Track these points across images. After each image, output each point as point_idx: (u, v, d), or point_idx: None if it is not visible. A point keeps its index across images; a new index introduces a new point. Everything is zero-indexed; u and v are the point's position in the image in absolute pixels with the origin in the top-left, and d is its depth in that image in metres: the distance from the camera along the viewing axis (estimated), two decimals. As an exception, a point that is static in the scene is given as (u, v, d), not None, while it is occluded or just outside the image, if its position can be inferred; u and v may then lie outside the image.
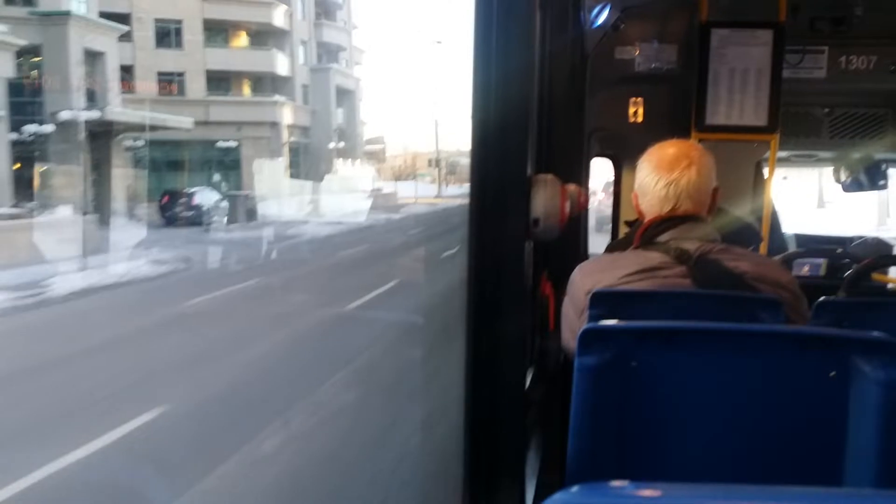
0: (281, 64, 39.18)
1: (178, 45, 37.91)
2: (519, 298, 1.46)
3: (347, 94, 45.35)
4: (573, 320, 1.88)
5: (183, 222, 27.22)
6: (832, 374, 1.38)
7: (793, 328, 1.68)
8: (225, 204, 28.75)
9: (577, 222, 2.98)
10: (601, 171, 3.87)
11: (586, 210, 3.20)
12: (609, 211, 3.58)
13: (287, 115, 41.36)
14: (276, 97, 39.45)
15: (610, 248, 2.21)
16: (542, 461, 1.92)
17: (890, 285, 3.33)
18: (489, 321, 1.43)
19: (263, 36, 41.41)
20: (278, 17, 39.54)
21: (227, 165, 38.13)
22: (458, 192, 62.79)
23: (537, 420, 2.01)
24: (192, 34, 37.27)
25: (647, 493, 0.72)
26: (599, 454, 1.40)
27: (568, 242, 2.81)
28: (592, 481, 0.74)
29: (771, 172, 3.24)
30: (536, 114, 2.09)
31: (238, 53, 38.34)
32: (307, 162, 44.12)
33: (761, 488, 0.69)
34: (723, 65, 3.18)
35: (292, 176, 40.82)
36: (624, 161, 3.18)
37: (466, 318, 1.42)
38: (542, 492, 1.34)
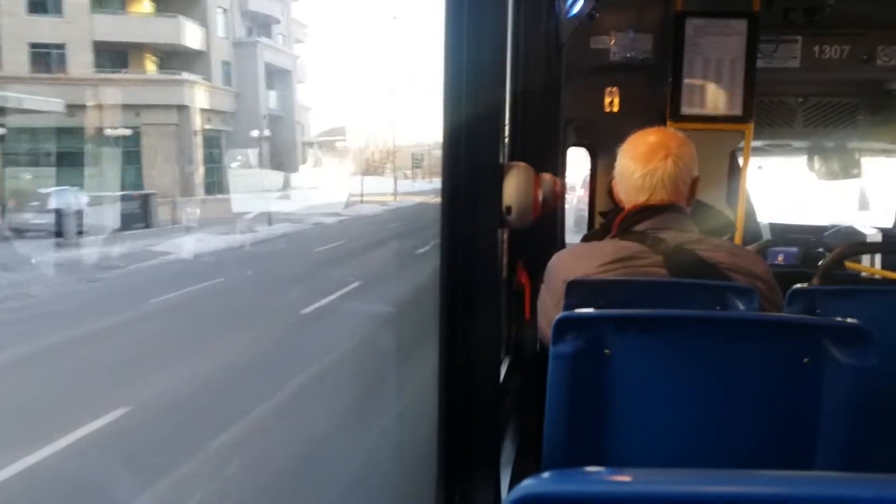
0: (192, 35, 32.18)
1: (57, 10, 32.95)
2: (492, 287, 1.54)
3: (282, 74, 38.03)
4: (549, 309, 1.95)
5: (36, 233, 22.25)
6: (805, 360, 1.43)
7: (766, 315, 1.77)
8: (112, 207, 24.97)
9: (553, 212, 3.01)
10: (580, 165, 3.98)
11: (563, 199, 3.34)
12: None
13: (200, 98, 36.59)
14: (185, 75, 30.80)
15: (586, 238, 2.33)
16: (518, 450, 1.99)
17: (863, 273, 3.49)
18: (463, 311, 1.51)
19: (172, 1, 35.95)
20: None
21: (122, 158, 32.30)
22: (422, 189, 56.70)
23: (513, 409, 2.09)
24: None
25: (619, 478, 0.76)
26: (575, 442, 1.46)
27: (545, 232, 2.89)
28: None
29: (746, 162, 3.39)
30: (511, 103, 2.17)
31: (136, 21, 30.54)
32: (229, 154, 38.53)
33: (734, 472, 0.74)
34: (697, 54, 3.30)
35: (207, 171, 36.30)
36: (600, 151, 3.31)
37: (440, 308, 1.50)
38: (518, 480, 1.08)
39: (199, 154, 33.91)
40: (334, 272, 15.31)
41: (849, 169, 4.02)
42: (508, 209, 1.65)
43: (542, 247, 2.61)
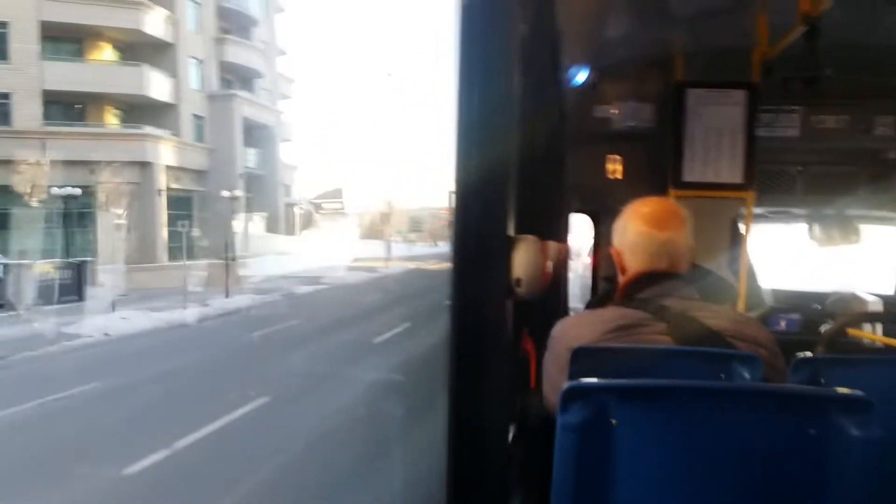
0: (158, 86, 29.15)
1: (3, 56, 30.35)
2: (501, 357, 1.62)
3: (264, 130, 34.61)
4: (554, 377, 2.04)
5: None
6: (811, 431, 1.46)
7: (772, 386, 1.85)
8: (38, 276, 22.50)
9: (557, 278, 2.96)
10: (585, 231, 4.12)
11: (566, 265, 3.48)
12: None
13: (166, 154, 33.80)
14: (148, 129, 27.19)
15: (590, 305, 2.46)
16: None
17: (867, 341, 3.56)
18: (471, 379, 1.58)
19: (139, 50, 34.43)
20: (154, 25, 28.45)
21: (72, 221, 28.99)
22: (420, 253, 53.07)
23: (520, 478, 2.16)
24: (23, 41, 24.72)
25: None
26: None
27: (548, 298, 2.92)
28: None
29: (747, 229, 3.58)
30: (516, 170, 2.20)
31: (94, 69, 27.23)
32: (202, 216, 35.87)
33: None
34: (698, 123, 3.47)
35: (170, 236, 32.58)
36: (603, 217, 3.47)
37: (448, 376, 1.58)
38: None
39: (162, 216, 30.18)
40: (258, 369, 13.46)
41: (848, 236, 4.10)
42: (518, 281, 1.73)
43: (546, 314, 2.70)
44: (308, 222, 60.65)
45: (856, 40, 3.13)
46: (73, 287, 23.20)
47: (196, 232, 29.79)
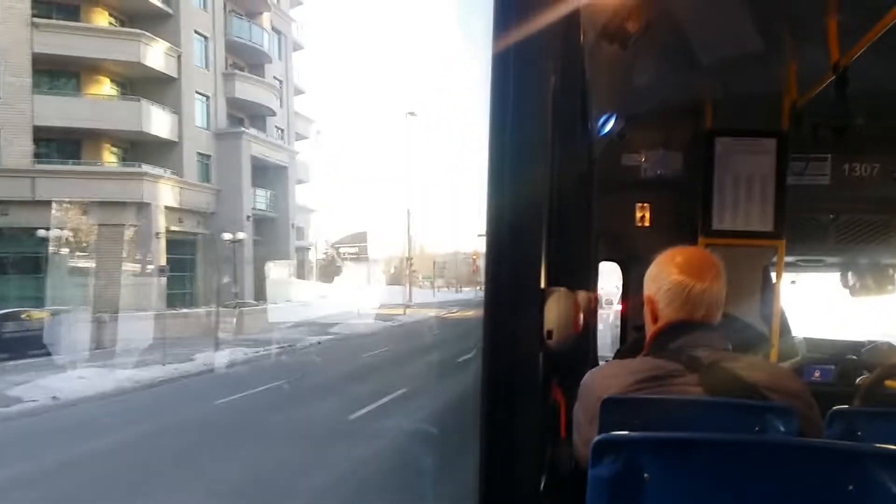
0: (159, 122, 26.86)
1: None
2: (532, 406, 1.64)
3: (276, 171, 32.46)
4: (584, 427, 2.08)
5: None
6: (850, 487, 1.45)
7: (808, 441, 1.85)
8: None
9: (586, 326, 3.04)
10: (613, 279, 4.34)
11: (595, 314, 3.57)
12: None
13: (166, 195, 31.82)
14: (146, 168, 24.92)
15: (620, 354, 2.52)
16: None
17: None
18: (502, 430, 1.59)
19: (140, 84, 32.90)
20: (156, 58, 26.12)
21: (61, 265, 26.81)
22: (443, 300, 50.87)
23: None
24: (14, 74, 29.12)
25: None
26: None
27: (578, 347, 2.90)
28: None
29: (779, 277, 3.64)
30: (546, 218, 2.23)
31: (89, 105, 25.31)
32: (206, 261, 33.53)
33: None
34: (728, 172, 3.53)
35: (171, 281, 30.75)
36: (631, 265, 3.54)
37: (480, 427, 1.60)
38: None
39: (161, 260, 28.00)
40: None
41: (883, 285, 4.12)
42: (550, 333, 1.76)
43: (575, 363, 2.74)
44: (330, 267, 58.78)
45: (885, 88, 3.19)
46: (49, 338, 21.49)
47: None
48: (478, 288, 60.76)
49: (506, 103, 1.56)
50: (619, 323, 9.37)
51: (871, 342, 4.33)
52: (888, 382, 3.25)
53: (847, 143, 3.36)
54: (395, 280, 56.03)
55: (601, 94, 3.13)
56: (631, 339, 2.61)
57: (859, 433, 1.99)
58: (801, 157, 3.58)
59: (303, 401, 15.58)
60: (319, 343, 26.62)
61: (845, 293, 4.40)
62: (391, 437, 11.93)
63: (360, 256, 63.43)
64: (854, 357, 3.98)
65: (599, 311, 5.57)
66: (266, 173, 38.34)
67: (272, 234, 38.61)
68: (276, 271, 38.45)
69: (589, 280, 3.30)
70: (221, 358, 21.58)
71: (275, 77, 41.37)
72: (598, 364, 2.85)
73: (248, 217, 35.39)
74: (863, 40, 2.62)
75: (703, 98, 3.55)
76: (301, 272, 45.04)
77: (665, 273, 2.14)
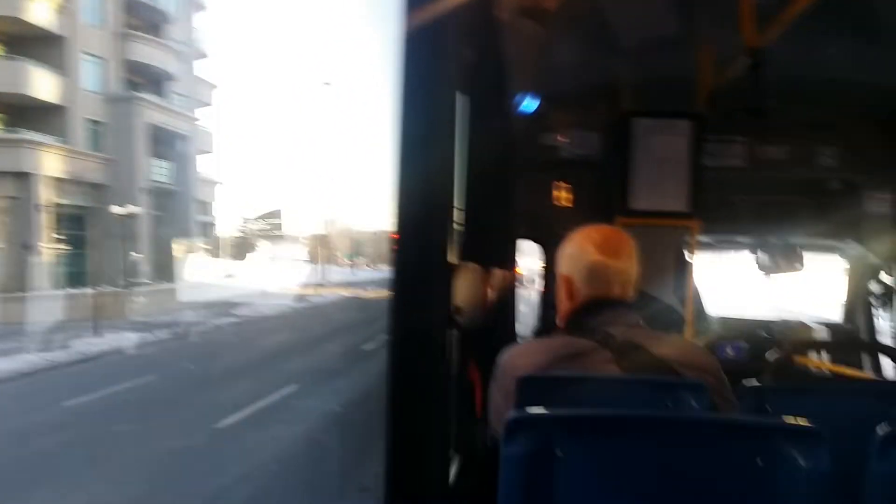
0: (42, 84, 23.46)
1: None
2: (442, 386, 1.66)
3: (176, 140, 29.71)
4: (500, 406, 2.10)
5: None
6: (759, 462, 1.50)
7: (719, 416, 1.93)
8: None
9: (505, 305, 3.19)
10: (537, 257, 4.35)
11: (513, 292, 3.53)
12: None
13: (51, 164, 28.81)
14: (28, 134, 28.65)
15: (537, 333, 2.66)
16: None
17: (813, 369, 3.77)
18: (411, 411, 1.61)
19: (25, 43, 29.28)
20: (39, 14, 23.48)
21: None
22: (360, 279, 50.29)
23: None
24: None
25: None
26: None
27: (496, 325, 2.99)
28: None
29: (693, 257, 3.76)
30: (462, 196, 2.45)
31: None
32: (97, 237, 30.63)
33: None
34: (644, 152, 3.62)
35: (61, 259, 28.69)
36: (551, 244, 3.52)
37: (386, 408, 1.60)
38: None
39: (44, 235, 25.65)
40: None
41: (792, 263, 4.24)
42: (458, 309, 1.76)
43: (493, 341, 2.72)
44: (242, 245, 56.57)
45: (799, 73, 3.30)
46: None
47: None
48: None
49: (416, 79, 1.55)
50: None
51: (782, 320, 4.62)
52: (798, 358, 3.45)
53: (761, 126, 3.57)
54: (312, 258, 54.05)
55: (519, 72, 3.19)
56: (550, 318, 2.62)
57: (769, 408, 2.12)
58: (717, 140, 3.72)
59: (168, 403, 13.27)
60: (220, 327, 24.81)
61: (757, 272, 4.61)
62: (270, 448, 10.05)
63: (275, 233, 61.46)
64: (766, 334, 4.19)
65: (526, 291, 5.74)
66: (166, 143, 35.75)
67: (173, 208, 36.30)
68: (179, 248, 36.57)
69: (507, 259, 3.39)
70: (99, 345, 19.53)
71: (176, 40, 38.42)
72: (517, 343, 2.84)
73: (144, 189, 33.06)
74: (777, 24, 2.68)
75: (621, 80, 3.64)
76: (209, 249, 42.84)
77: (582, 252, 2.18)
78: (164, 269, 34.37)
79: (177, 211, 36.82)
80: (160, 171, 36.15)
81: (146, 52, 35.73)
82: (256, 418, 11.72)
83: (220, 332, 24.03)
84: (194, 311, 28.06)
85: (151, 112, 34.56)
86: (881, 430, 1.60)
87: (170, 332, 22.78)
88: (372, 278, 53.15)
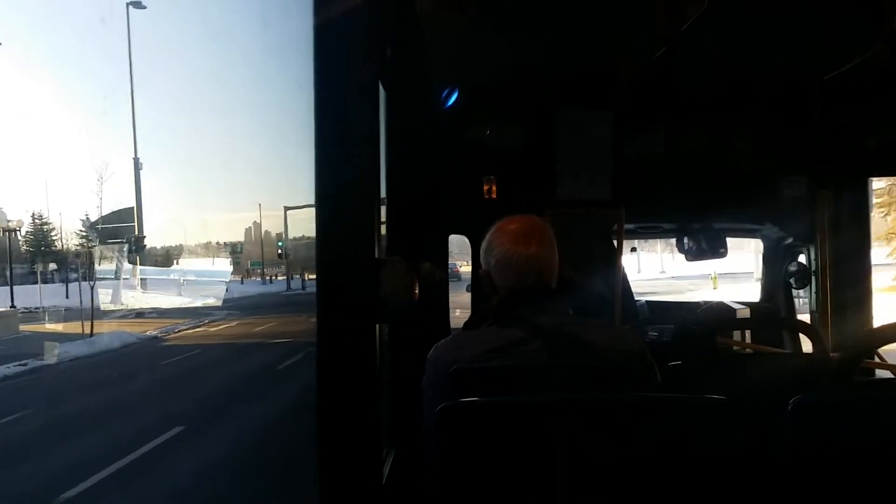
0: None
1: None
2: (370, 382, 1.65)
3: None
4: (432, 399, 2.10)
5: None
6: (679, 437, 1.61)
7: (641, 396, 1.97)
8: None
9: (438, 300, 3.40)
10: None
11: (445, 286, 3.61)
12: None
13: None
14: None
15: (467, 325, 2.53)
16: None
17: (735, 348, 3.94)
18: (339, 408, 1.60)
19: None
20: None
21: None
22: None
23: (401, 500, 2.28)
24: None
25: None
26: None
27: (430, 320, 3.16)
28: None
29: (620, 244, 3.83)
30: (388, 194, 2.48)
31: None
32: None
33: None
34: (569, 143, 3.66)
35: None
36: (480, 237, 3.14)
37: (317, 408, 1.59)
38: None
39: None
40: None
41: (716, 248, 4.34)
42: (384, 303, 1.73)
43: (427, 335, 2.76)
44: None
45: (714, 59, 3.36)
46: None
47: None
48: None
49: (330, 74, 1.54)
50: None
51: (706, 302, 4.79)
52: (719, 339, 3.58)
53: (679, 113, 3.69)
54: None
55: (442, 65, 3.22)
56: (478, 310, 2.67)
57: (692, 386, 2.16)
58: (638, 128, 3.78)
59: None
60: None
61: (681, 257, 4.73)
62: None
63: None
64: (691, 317, 4.29)
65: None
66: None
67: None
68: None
69: (437, 253, 3.42)
70: None
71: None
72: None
73: None
74: (689, 12, 2.70)
75: (543, 71, 3.67)
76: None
77: (495, 243, 2.22)
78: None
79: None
80: None
81: None
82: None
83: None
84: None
85: None
86: (793, 402, 1.70)
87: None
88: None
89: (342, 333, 1.56)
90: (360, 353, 1.58)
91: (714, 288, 27.90)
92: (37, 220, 48.72)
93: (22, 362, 18.33)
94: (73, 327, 23.90)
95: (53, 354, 18.78)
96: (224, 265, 49.65)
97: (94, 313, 24.64)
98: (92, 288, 26.33)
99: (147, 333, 24.38)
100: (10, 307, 30.15)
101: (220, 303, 35.50)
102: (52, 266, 40.49)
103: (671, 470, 1.57)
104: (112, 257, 38.36)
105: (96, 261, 37.36)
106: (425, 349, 2.30)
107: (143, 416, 12.18)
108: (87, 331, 23.21)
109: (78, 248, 42.08)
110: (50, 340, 19.79)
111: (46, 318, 28.01)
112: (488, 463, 1.57)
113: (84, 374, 17.59)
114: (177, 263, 50.17)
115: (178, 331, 25.69)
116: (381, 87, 1.91)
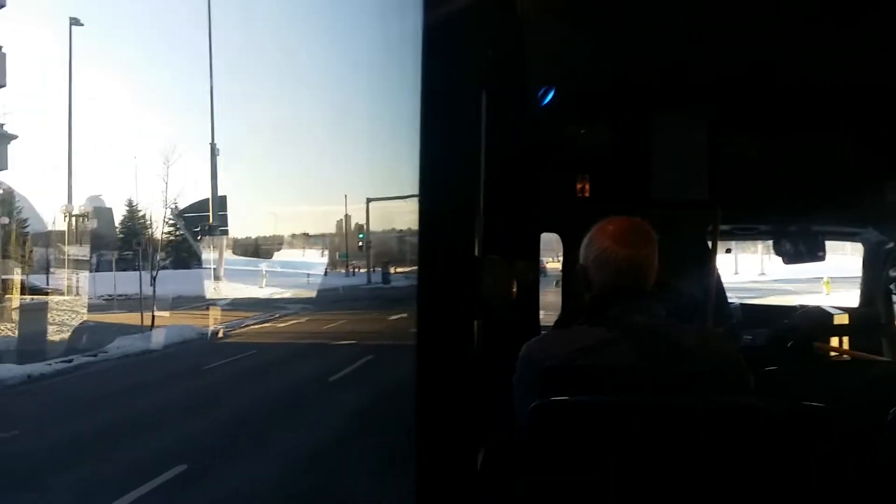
0: None
1: None
2: (468, 379, 1.67)
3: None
4: (523, 397, 2.12)
5: None
6: (776, 444, 1.57)
7: (736, 401, 1.92)
8: None
9: (528, 297, 3.32)
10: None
11: (537, 284, 3.58)
12: None
13: None
14: None
15: (559, 324, 2.59)
16: None
17: (833, 354, 3.81)
18: (439, 404, 1.63)
19: None
20: None
21: None
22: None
23: (492, 501, 2.28)
24: None
25: None
26: None
27: (520, 317, 3.09)
28: None
29: (715, 245, 3.81)
30: (483, 191, 2.39)
31: None
32: None
33: None
34: (664, 143, 3.65)
35: None
36: (572, 236, 3.37)
37: (416, 402, 1.63)
38: None
39: None
40: None
41: (814, 252, 4.27)
42: (484, 302, 1.77)
43: (517, 332, 2.75)
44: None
45: (815, 62, 3.29)
46: None
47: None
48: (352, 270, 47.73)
49: (437, 74, 1.58)
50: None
51: (802, 306, 4.63)
52: (817, 344, 3.52)
53: (780, 116, 3.60)
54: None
55: (540, 65, 3.22)
56: (570, 308, 2.64)
57: (788, 393, 2.13)
58: (736, 130, 3.73)
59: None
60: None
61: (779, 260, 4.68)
62: None
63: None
64: (786, 321, 4.17)
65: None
66: None
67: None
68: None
69: (530, 251, 3.45)
70: None
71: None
72: (540, 334, 2.95)
73: None
74: (791, 20, 2.66)
75: (641, 71, 3.64)
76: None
77: (595, 241, 2.23)
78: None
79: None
80: None
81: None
82: None
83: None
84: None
85: None
86: (893, 411, 1.66)
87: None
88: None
89: (442, 329, 1.58)
90: (458, 349, 1.60)
91: (827, 294, 26.26)
92: (133, 207, 49.33)
93: (67, 358, 16.96)
94: (136, 318, 22.38)
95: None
96: (314, 257, 50.01)
97: (165, 304, 24.35)
98: (153, 278, 25.28)
99: (210, 328, 22.98)
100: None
101: (297, 295, 34.59)
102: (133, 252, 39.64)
103: (765, 478, 1.55)
104: (192, 246, 38.14)
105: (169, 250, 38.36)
106: (515, 346, 2.30)
107: (119, 455, 9.21)
108: (148, 323, 22.05)
109: (167, 235, 42.31)
110: (109, 332, 19.16)
111: (115, 307, 27.20)
112: (579, 462, 1.58)
113: (112, 378, 15.77)
114: (271, 255, 50.10)
115: (244, 326, 24.66)
116: (481, 88, 1.95)
